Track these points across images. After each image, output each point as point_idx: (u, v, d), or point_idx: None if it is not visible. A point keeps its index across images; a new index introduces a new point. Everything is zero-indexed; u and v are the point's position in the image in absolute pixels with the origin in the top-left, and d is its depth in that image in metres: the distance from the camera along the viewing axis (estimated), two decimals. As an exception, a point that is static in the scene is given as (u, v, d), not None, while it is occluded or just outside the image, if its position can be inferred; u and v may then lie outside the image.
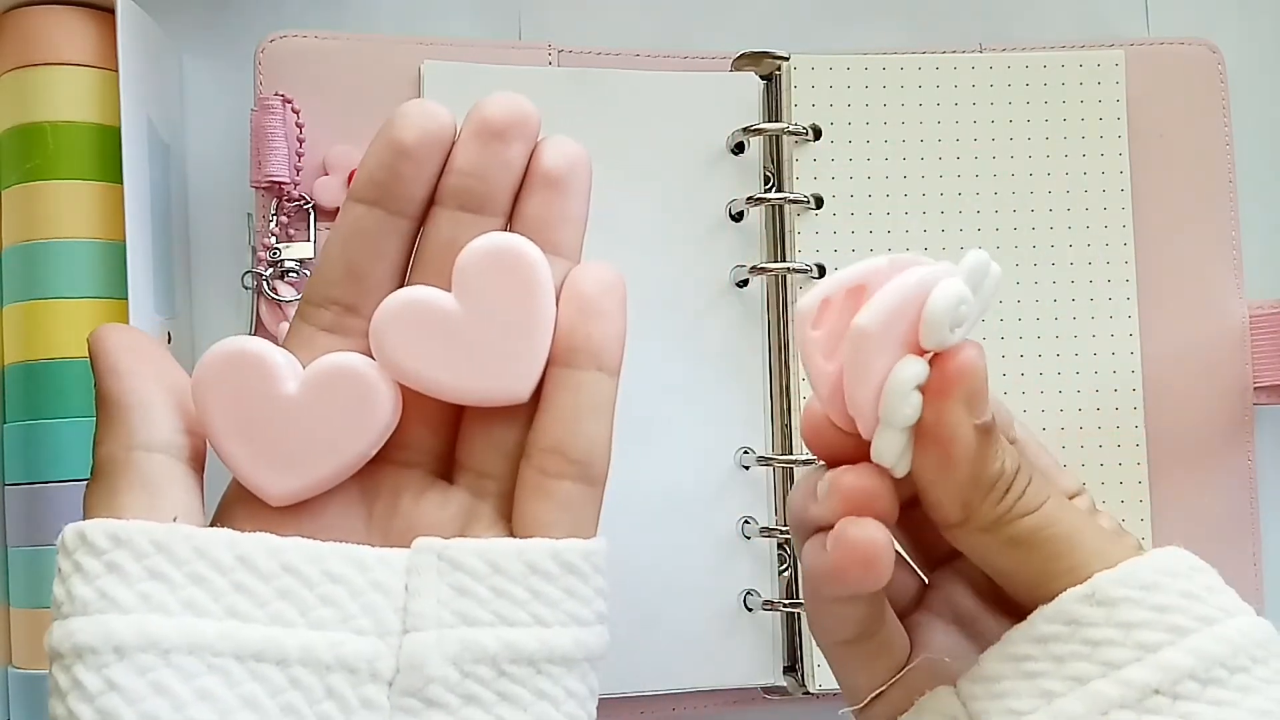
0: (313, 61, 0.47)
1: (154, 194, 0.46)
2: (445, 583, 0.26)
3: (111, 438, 0.28)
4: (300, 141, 0.46)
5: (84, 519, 0.27)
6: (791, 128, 0.48)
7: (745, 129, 0.48)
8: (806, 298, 0.27)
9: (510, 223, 0.29)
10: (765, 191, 0.49)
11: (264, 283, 0.46)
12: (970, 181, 0.49)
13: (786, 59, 0.49)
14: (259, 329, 0.46)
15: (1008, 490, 0.28)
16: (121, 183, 0.43)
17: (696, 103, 0.48)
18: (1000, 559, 0.28)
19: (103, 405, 0.28)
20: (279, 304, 0.46)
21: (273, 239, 0.46)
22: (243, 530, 0.26)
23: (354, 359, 0.27)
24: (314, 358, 0.27)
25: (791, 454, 0.47)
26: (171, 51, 0.49)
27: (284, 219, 0.46)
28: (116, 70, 0.43)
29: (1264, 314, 0.50)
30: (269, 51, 0.47)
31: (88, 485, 0.28)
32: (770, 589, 0.47)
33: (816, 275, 0.48)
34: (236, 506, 0.28)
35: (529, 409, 0.28)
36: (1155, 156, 0.50)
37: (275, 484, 0.27)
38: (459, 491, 0.29)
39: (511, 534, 0.28)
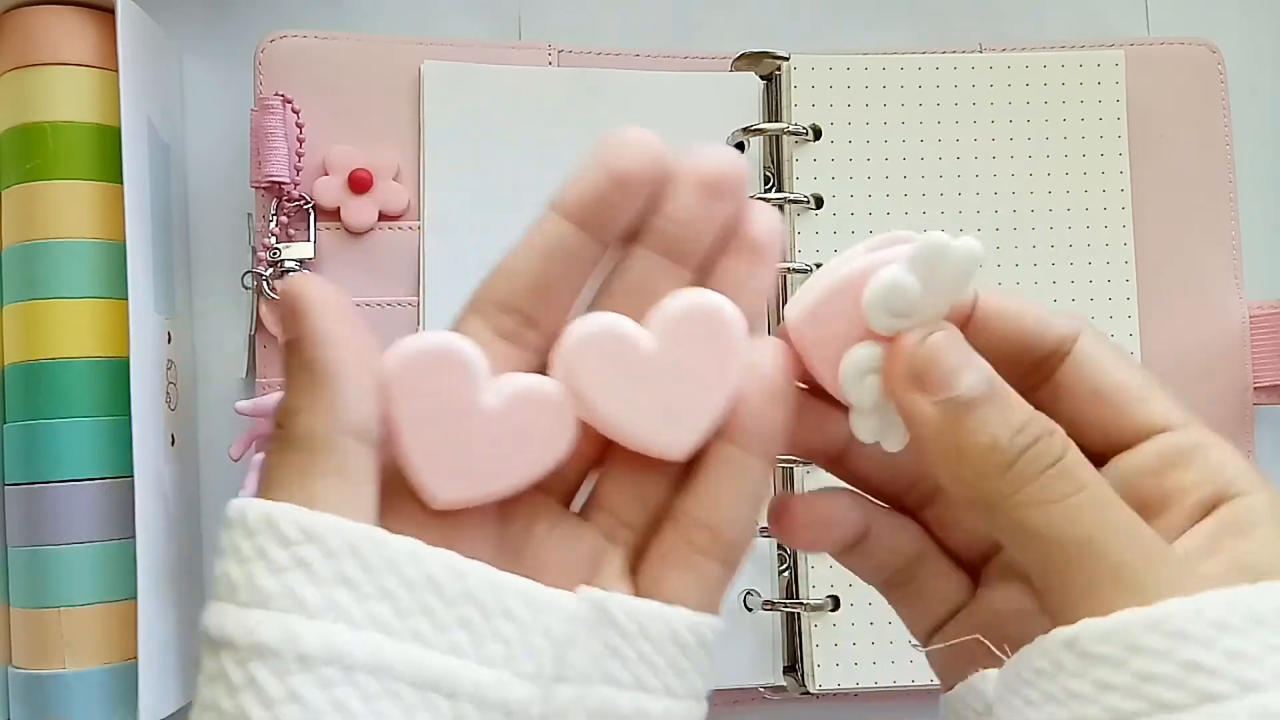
0: (313, 61, 0.47)
1: (154, 194, 0.46)
2: (599, 637, 0.25)
3: (314, 411, 0.24)
4: (300, 141, 0.46)
5: (261, 492, 0.25)
6: (791, 128, 0.48)
7: (745, 129, 0.48)
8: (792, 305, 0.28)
9: (705, 277, 0.29)
10: (765, 191, 0.49)
11: (264, 283, 0.46)
12: (970, 181, 0.49)
13: (786, 59, 0.49)
14: (259, 329, 0.46)
15: (1007, 468, 0.25)
16: (121, 183, 0.43)
17: (696, 103, 0.48)
18: (1010, 547, 0.26)
19: (303, 372, 0.25)
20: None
21: (273, 239, 0.46)
22: (390, 526, 0.25)
23: (549, 385, 0.26)
24: (491, 364, 0.26)
25: (791, 454, 0.47)
26: (171, 51, 0.49)
27: (284, 219, 0.46)
28: (116, 70, 0.43)
29: (1264, 314, 0.50)
30: (269, 51, 0.47)
31: (271, 453, 0.25)
32: (770, 589, 0.47)
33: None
34: (383, 499, 0.26)
35: (678, 468, 0.28)
36: (1155, 156, 0.50)
37: (445, 489, 0.26)
38: (591, 531, 0.28)
39: (636, 591, 0.27)
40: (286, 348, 0.25)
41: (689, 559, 0.27)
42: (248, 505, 0.24)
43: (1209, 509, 0.26)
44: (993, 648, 0.27)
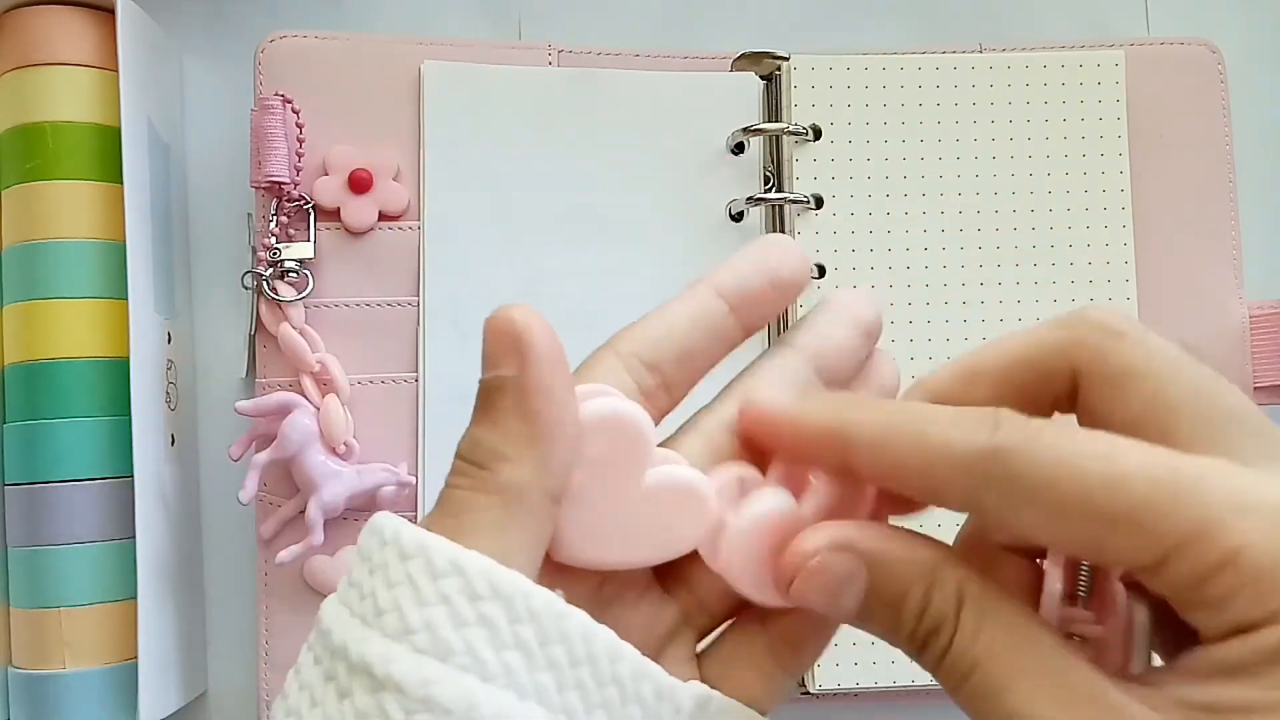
0: (313, 61, 0.47)
1: (154, 194, 0.46)
2: None
3: (523, 464, 0.24)
4: (300, 141, 0.46)
5: (443, 525, 0.23)
6: (791, 128, 0.48)
7: (745, 129, 0.48)
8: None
9: None
10: (765, 191, 0.49)
11: (264, 283, 0.46)
12: (970, 181, 0.49)
13: (786, 59, 0.49)
14: (259, 329, 0.46)
15: (921, 657, 0.24)
16: (121, 183, 0.43)
17: (696, 103, 0.48)
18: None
19: (522, 420, 0.24)
20: (279, 304, 0.46)
21: (273, 239, 0.46)
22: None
23: (699, 482, 0.26)
24: None
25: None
26: (171, 51, 0.49)
27: (284, 219, 0.46)
28: (116, 70, 0.43)
29: (1264, 314, 0.50)
30: (269, 51, 0.47)
31: (463, 487, 0.24)
32: (770, 589, 0.47)
33: (817, 275, 0.48)
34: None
35: None
36: (1155, 156, 0.50)
37: (585, 551, 0.26)
38: (673, 608, 0.27)
39: (700, 676, 0.26)
40: (496, 384, 0.24)
41: (766, 666, 0.26)
42: (435, 545, 0.23)
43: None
44: None
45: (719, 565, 0.26)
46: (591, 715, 0.23)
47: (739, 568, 0.25)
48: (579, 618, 0.23)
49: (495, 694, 0.22)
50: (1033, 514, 0.22)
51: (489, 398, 0.24)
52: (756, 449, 0.27)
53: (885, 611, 0.24)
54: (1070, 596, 0.24)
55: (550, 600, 0.23)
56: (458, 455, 0.24)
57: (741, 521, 0.25)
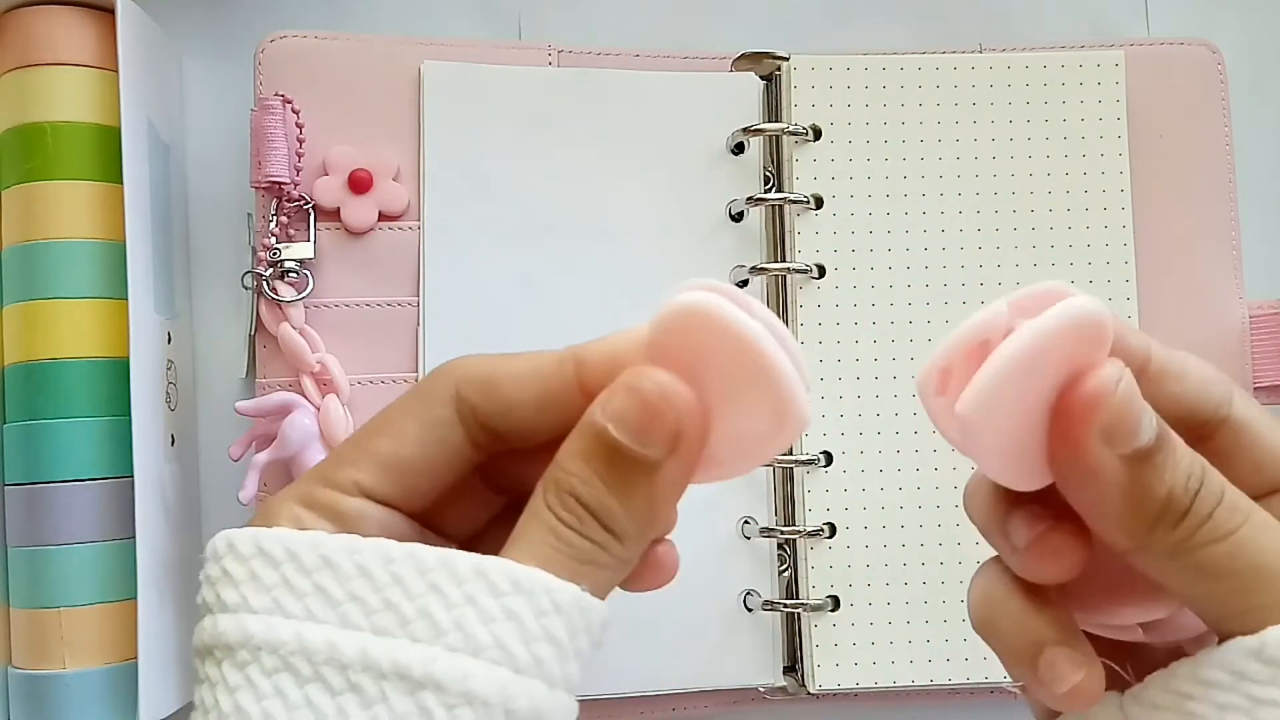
0: (313, 61, 0.47)
1: (154, 194, 0.46)
2: None
3: (641, 542, 0.26)
4: (300, 141, 0.46)
5: (556, 567, 0.25)
6: (791, 128, 0.48)
7: (745, 129, 0.48)
8: (925, 367, 0.25)
9: None
10: (765, 192, 0.49)
11: (264, 283, 0.46)
12: (970, 181, 0.49)
13: (786, 59, 0.49)
14: (259, 329, 0.46)
15: (1184, 516, 0.24)
16: (121, 183, 0.43)
17: (696, 103, 0.48)
18: (1185, 587, 0.25)
19: (653, 503, 0.26)
20: (279, 304, 0.46)
21: (273, 239, 0.46)
22: None
23: None
24: None
25: (791, 454, 0.47)
26: (171, 51, 0.49)
27: (284, 219, 0.46)
28: (116, 70, 0.43)
29: (1264, 314, 0.50)
30: (269, 51, 0.47)
31: (585, 550, 0.25)
32: (770, 589, 0.47)
33: (816, 275, 0.48)
34: None
35: None
36: (1155, 156, 0.50)
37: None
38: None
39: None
40: (644, 462, 0.25)
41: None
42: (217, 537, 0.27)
43: None
44: (1117, 669, 0.27)
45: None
46: (372, 618, 0.25)
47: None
48: (339, 541, 0.26)
49: (264, 620, 0.25)
50: (1248, 439, 0.27)
51: (630, 468, 0.25)
52: None
53: (1173, 450, 0.25)
54: None
55: (305, 538, 0.26)
56: (573, 494, 0.25)
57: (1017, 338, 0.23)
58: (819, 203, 0.48)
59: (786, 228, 0.48)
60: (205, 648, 0.26)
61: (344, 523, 0.26)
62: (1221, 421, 0.27)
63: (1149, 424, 0.24)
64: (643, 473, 0.25)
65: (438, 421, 0.27)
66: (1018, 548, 0.26)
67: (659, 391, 0.25)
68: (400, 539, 0.26)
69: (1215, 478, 0.25)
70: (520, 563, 0.24)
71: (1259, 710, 0.24)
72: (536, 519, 0.25)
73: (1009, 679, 0.47)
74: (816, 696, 0.47)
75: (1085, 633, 0.27)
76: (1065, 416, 0.24)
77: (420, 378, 0.46)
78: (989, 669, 0.46)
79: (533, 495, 0.26)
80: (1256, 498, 0.26)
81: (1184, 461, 0.25)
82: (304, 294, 0.46)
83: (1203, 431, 0.27)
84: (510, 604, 0.24)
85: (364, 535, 0.26)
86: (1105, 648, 0.28)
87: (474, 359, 0.28)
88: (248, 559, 0.26)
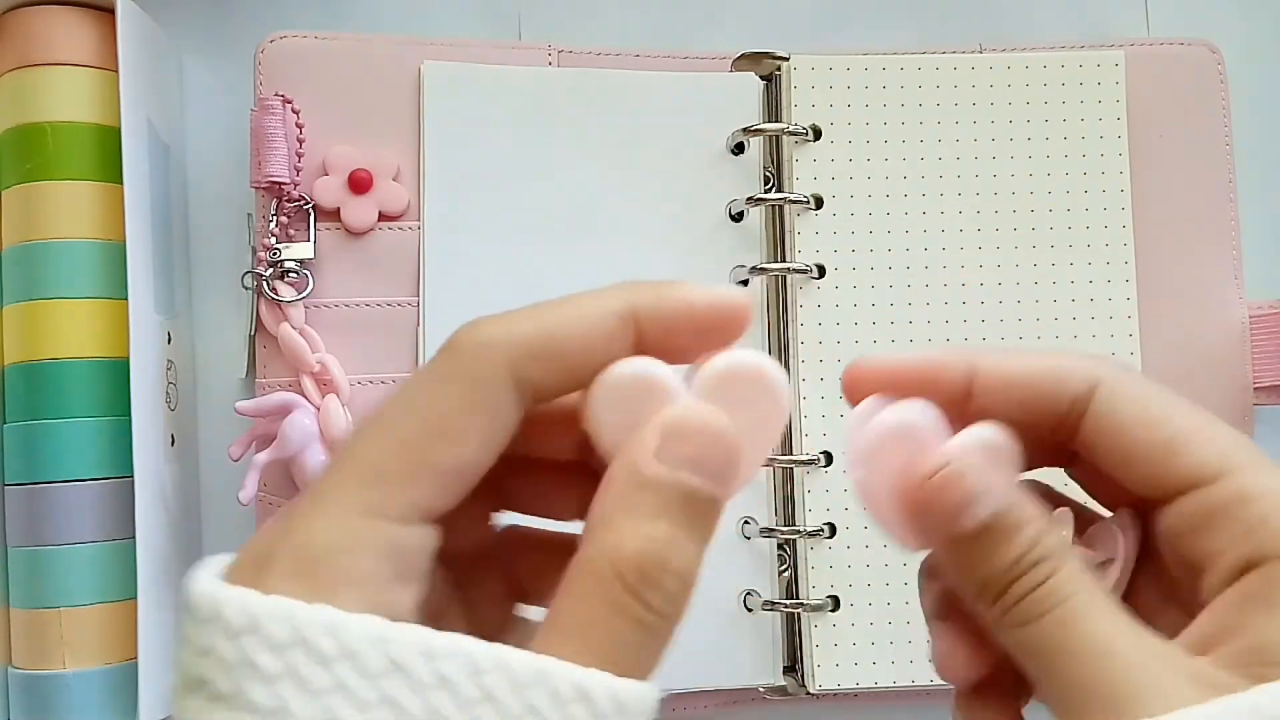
0: (313, 61, 0.47)
1: (154, 194, 0.46)
2: None
3: (691, 585, 0.23)
4: (300, 142, 0.46)
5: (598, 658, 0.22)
6: (791, 128, 0.48)
7: (745, 129, 0.48)
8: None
9: None
10: (765, 192, 0.49)
11: (264, 283, 0.46)
12: (970, 181, 0.49)
13: (786, 59, 0.49)
14: (259, 329, 0.46)
15: (1000, 595, 0.24)
16: (121, 183, 0.43)
17: (696, 103, 0.48)
18: (1023, 665, 0.25)
19: (702, 541, 0.23)
20: (279, 304, 0.46)
21: (273, 239, 0.46)
22: None
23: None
24: None
25: (791, 454, 0.47)
26: (171, 51, 0.49)
27: (284, 219, 0.46)
28: (116, 70, 0.43)
29: (1264, 314, 0.50)
30: (269, 51, 0.47)
31: (631, 618, 0.22)
32: (770, 589, 0.47)
33: (816, 275, 0.48)
34: None
35: None
36: (1155, 156, 0.50)
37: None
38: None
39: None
40: (707, 499, 0.23)
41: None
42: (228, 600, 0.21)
43: (1241, 573, 0.24)
44: None
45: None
46: None
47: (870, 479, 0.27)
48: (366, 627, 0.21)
49: None
50: (1121, 428, 0.26)
51: (697, 506, 0.22)
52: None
53: (1000, 534, 0.24)
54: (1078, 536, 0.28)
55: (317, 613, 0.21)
56: (657, 559, 0.22)
57: (884, 420, 0.26)
58: (819, 203, 0.48)
59: (786, 228, 0.48)
60: None
61: (404, 566, 0.22)
62: (1081, 415, 0.26)
63: (977, 511, 0.24)
64: (705, 509, 0.23)
65: (499, 412, 0.23)
66: (932, 660, 0.28)
67: (727, 431, 0.23)
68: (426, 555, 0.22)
69: (1045, 568, 0.24)
70: (578, 661, 0.21)
71: None
72: (595, 597, 0.22)
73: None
74: (816, 696, 0.47)
75: None
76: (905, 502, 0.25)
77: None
78: (989, 669, 0.46)
79: (576, 568, 0.22)
80: (1149, 495, 0.26)
81: (1014, 549, 0.24)
82: (304, 294, 0.46)
83: (1064, 428, 0.27)
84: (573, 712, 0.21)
85: (421, 573, 0.22)
86: None
87: (512, 322, 0.23)
88: (284, 649, 0.20)
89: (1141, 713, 0.22)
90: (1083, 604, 0.24)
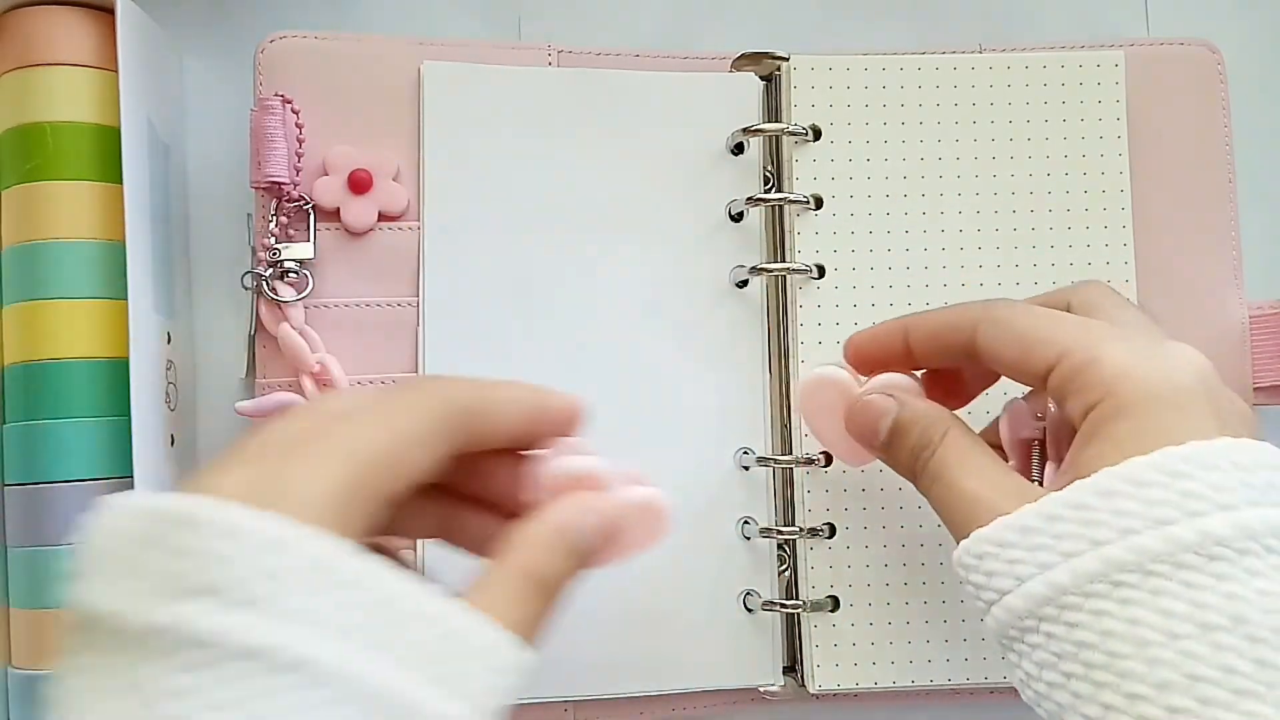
0: (313, 61, 0.47)
1: (154, 194, 0.46)
2: None
3: None
4: (300, 142, 0.46)
5: None
6: (791, 128, 0.48)
7: (745, 129, 0.48)
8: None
9: None
10: (765, 192, 0.49)
11: (264, 283, 0.46)
12: (970, 182, 0.49)
13: (786, 59, 0.49)
14: (259, 329, 0.46)
15: (917, 477, 0.38)
16: (121, 183, 0.43)
17: (696, 103, 0.48)
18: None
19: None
20: (279, 304, 0.46)
21: (273, 239, 0.46)
22: None
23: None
24: None
25: (791, 454, 0.47)
26: (171, 51, 0.49)
27: (284, 219, 0.46)
28: (116, 70, 0.43)
29: (1264, 314, 0.50)
30: (269, 51, 0.47)
31: None
32: (770, 589, 0.47)
33: (816, 275, 0.48)
34: None
35: None
36: (1155, 156, 0.50)
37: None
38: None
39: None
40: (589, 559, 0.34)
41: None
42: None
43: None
44: None
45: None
46: (422, 669, 0.27)
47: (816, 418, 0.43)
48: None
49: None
50: (996, 345, 0.36)
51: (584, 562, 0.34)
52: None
53: (900, 434, 0.38)
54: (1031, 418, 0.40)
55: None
56: (541, 579, 0.32)
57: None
58: (819, 203, 0.48)
59: (786, 228, 0.48)
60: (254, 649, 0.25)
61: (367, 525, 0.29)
62: (975, 348, 0.37)
63: (883, 429, 0.38)
64: (591, 564, 0.34)
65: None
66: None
67: (624, 514, 0.36)
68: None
69: (934, 435, 0.37)
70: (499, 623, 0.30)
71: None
72: (518, 588, 0.31)
73: (1008, 679, 0.47)
74: (816, 697, 0.47)
75: None
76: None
77: (420, 378, 0.46)
78: (989, 669, 0.46)
79: (503, 560, 0.32)
80: (1037, 388, 0.36)
81: (910, 438, 0.38)
82: (304, 294, 0.46)
83: (971, 353, 0.38)
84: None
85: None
86: None
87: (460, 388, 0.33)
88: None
89: (975, 526, 0.33)
90: (952, 466, 0.36)
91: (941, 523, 0.36)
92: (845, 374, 0.41)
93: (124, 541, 0.26)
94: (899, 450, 0.38)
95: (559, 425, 0.35)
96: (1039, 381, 0.35)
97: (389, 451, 0.29)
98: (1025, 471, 0.39)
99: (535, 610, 0.31)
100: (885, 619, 0.46)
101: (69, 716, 0.24)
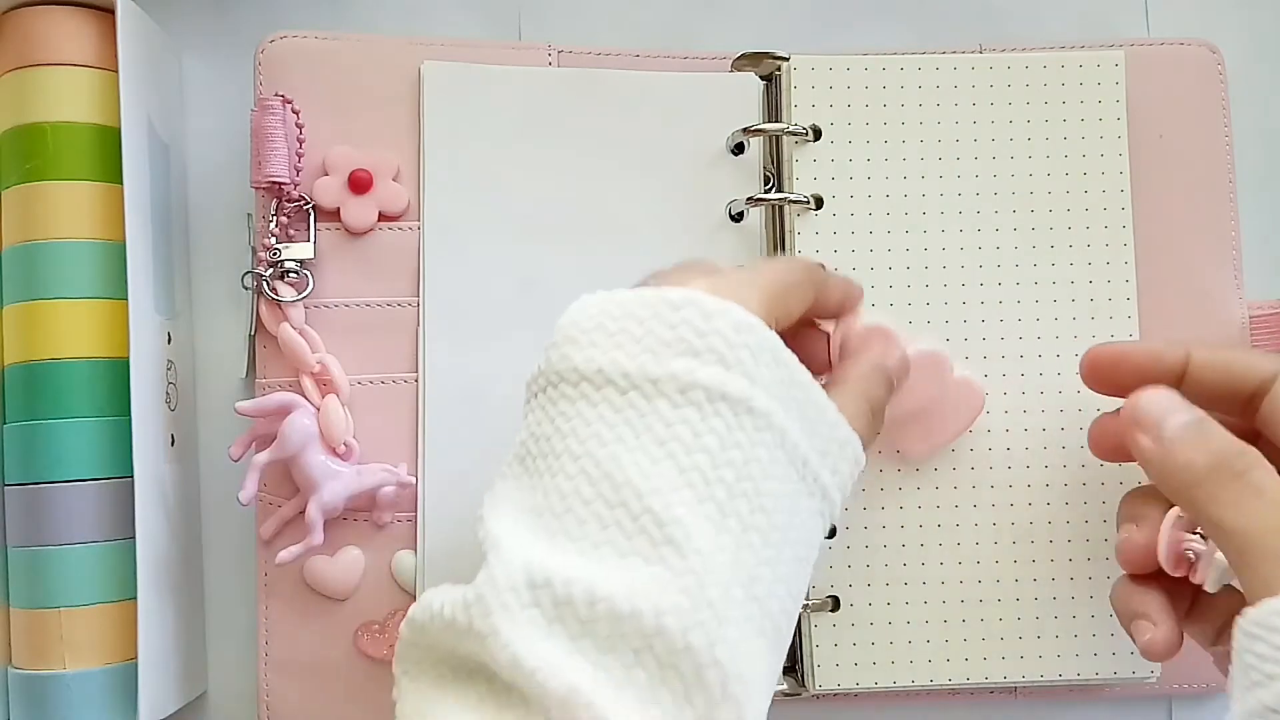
0: (313, 61, 0.47)
1: (154, 194, 0.46)
2: None
3: None
4: (300, 142, 0.46)
5: None
6: (791, 128, 0.48)
7: (745, 129, 0.48)
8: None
9: None
10: (765, 192, 0.49)
11: (264, 283, 0.46)
12: (970, 181, 0.49)
13: (786, 59, 0.49)
14: (259, 329, 0.46)
15: (1204, 480, 0.35)
16: (121, 183, 0.43)
17: (696, 103, 0.48)
18: (1216, 542, 0.36)
19: None
20: (279, 304, 0.46)
21: (273, 239, 0.46)
22: None
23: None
24: None
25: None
26: (171, 51, 0.49)
27: (284, 219, 0.46)
28: (116, 70, 0.43)
29: (1264, 314, 0.50)
30: (269, 51, 0.47)
31: None
32: (770, 589, 0.47)
33: (816, 275, 0.48)
34: None
35: None
36: (1155, 156, 0.50)
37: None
38: None
39: None
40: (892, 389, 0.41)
41: None
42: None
43: None
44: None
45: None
46: (814, 441, 0.35)
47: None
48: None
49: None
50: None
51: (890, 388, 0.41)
52: None
53: (1206, 434, 0.37)
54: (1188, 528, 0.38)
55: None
56: (869, 397, 0.39)
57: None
58: (819, 203, 0.48)
59: (786, 228, 0.48)
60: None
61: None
62: (1264, 396, 0.38)
63: (1177, 418, 0.37)
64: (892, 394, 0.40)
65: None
66: (1137, 644, 0.40)
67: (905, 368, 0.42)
68: None
69: (1242, 461, 0.35)
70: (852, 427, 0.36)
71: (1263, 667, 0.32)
72: (857, 405, 0.38)
73: (1008, 679, 0.47)
74: (817, 697, 0.47)
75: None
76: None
77: (420, 378, 0.46)
78: (989, 669, 0.46)
79: (843, 386, 0.39)
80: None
81: (1213, 444, 0.36)
82: (304, 294, 0.46)
83: (1251, 407, 0.39)
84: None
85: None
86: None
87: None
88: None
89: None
90: (1271, 491, 0.34)
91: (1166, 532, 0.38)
92: (944, 351, 0.45)
93: (620, 318, 0.34)
94: (1200, 447, 0.36)
95: (854, 300, 0.42)
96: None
97: (784, 287, 0.37)
98: (1175, 582, 0.40)
99: (869, 425, 0.37)
100: (885, 619, 0.46)
101: (579, 438, 0.32)
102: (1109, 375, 0.41)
